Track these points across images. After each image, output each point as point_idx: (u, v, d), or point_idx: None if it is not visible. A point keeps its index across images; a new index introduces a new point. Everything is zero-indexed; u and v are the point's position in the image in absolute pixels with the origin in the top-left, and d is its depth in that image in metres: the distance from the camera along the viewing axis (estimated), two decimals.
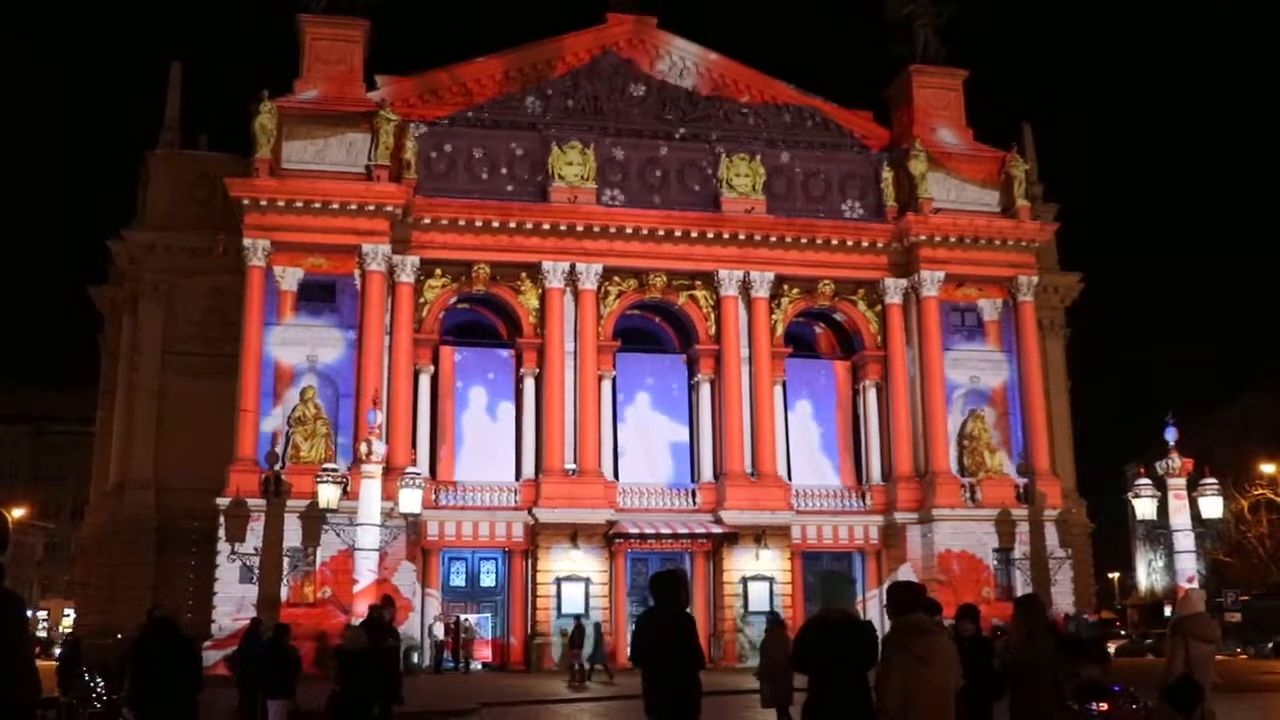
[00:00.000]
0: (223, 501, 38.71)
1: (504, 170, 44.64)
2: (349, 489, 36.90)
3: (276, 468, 39.17)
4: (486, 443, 44.04)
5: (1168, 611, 60.34)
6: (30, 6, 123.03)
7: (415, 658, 37.45)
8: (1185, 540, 38.73)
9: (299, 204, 41.41)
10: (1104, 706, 13.28)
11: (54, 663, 20.71)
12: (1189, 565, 38.89)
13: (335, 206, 41.55)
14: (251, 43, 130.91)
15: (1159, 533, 42.22)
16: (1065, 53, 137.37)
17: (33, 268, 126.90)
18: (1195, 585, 38.41)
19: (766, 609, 40.51)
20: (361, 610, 27.69)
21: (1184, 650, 11.46)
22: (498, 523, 42.38)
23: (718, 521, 43.05)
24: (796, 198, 46.77)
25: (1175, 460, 38.67)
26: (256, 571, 37.42)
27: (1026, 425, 45.74)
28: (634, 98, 46.83)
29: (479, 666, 41.56)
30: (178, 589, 40.07)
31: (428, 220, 43.00)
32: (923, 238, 45.83)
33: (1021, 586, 42.94)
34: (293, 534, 38.74)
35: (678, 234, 44.72)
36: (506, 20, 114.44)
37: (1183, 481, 38.90)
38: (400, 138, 43.02)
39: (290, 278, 41.83)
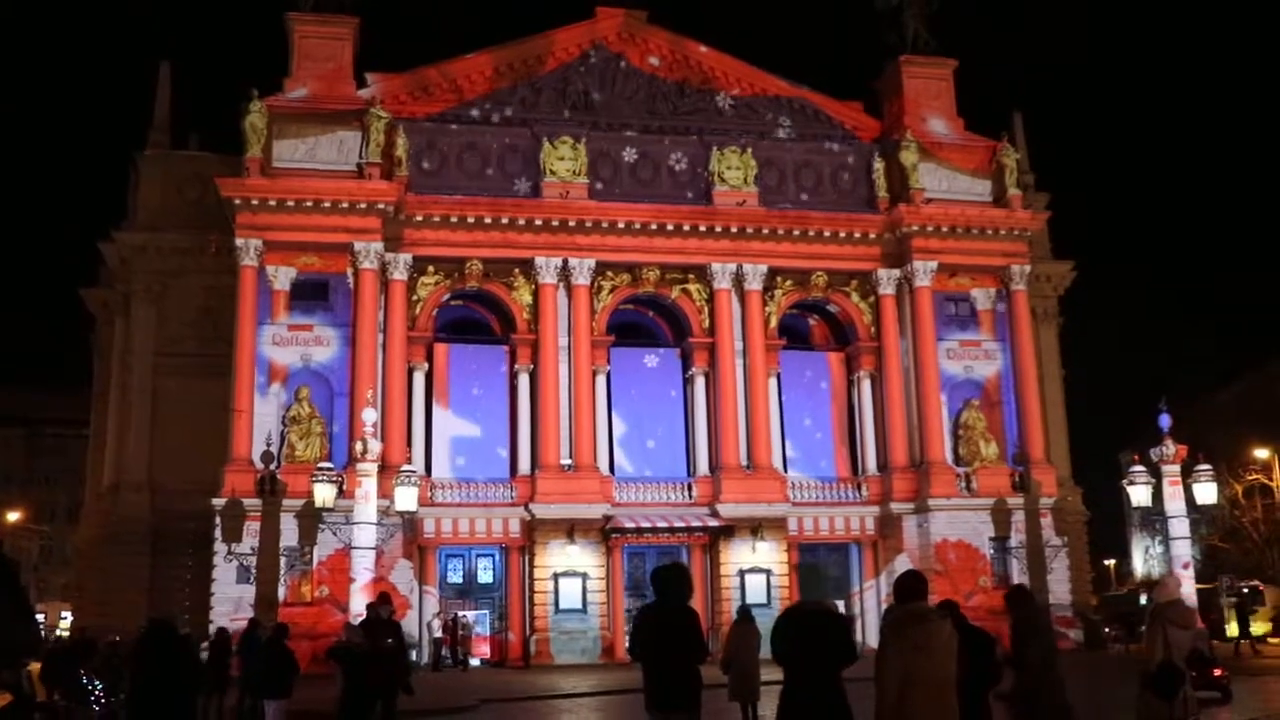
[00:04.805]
0: (218, 502, 38.67)
1: (496, 166, 44.61)
2: (345, 488, 36.90)
3: (272, 467, 39.12)
4: (482, 439, 44.04)
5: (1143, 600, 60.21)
6: (18, 7, 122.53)
7: (414, 655, 37.45)
8: (1180, 526, 38.78)
9: (290, 203, 41.33)
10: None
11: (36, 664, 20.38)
12: (1184, 551, 38.96)
13: (327, 205, 41.47)
14: (241, 42, 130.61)
15: (1154, 519, 42.22)
16: (1055, 41, 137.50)
17: (24, 269, 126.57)
18: (1190, 571, 38.53)
19: (764, 601, 40.59)
20: (360, 609, 27.70)
21: (1163, 637, 11.46)
22: (494, 519, 42.38)
23: (714, 514, 43.09)
24: (788, 190, 46.77)
25: (1169, 447, 38.70)
26: (253, 572, 37.40)
27: (1021, 414, 45.83)
28: (624, 92, 46.77)
29: (477, 663, 41.63)
30: (174, 590, 40.06)
31: (420, 217, 42.96)
32: (915, 228, 45.84)
33: (1018, 575, 43.05)
34: (289, 533, 38.71)
35: (670, 228, 44.70)
36: (496, 16, 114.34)
37: (1177, 468, 38.91)
38: (391, 135, 42.94)
39: (283, 277, 41.78)
